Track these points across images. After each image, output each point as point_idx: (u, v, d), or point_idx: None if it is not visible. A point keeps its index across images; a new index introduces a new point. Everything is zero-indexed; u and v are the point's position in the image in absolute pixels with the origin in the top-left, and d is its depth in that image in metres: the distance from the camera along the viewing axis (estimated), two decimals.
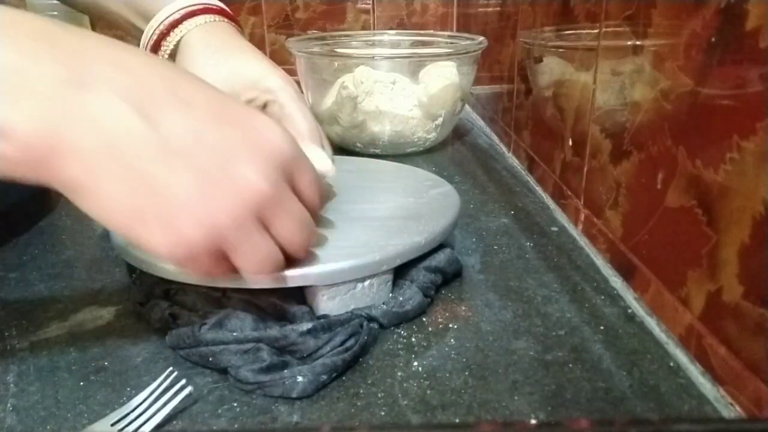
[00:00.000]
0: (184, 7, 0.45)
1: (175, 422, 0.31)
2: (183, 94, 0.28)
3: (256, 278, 0.33)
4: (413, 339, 0.37)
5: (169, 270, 0.36)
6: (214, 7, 0.47)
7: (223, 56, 0.44)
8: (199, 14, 0.45)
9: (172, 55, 0.46)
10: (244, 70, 0.44)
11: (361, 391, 0.33)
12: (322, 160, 0.38)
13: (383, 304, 0.38)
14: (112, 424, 0.30)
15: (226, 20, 0.47)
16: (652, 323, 0.38)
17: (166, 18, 0.45)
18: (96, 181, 0.27)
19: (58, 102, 0.26)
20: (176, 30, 0.45)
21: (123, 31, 0.50)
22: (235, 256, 0.30)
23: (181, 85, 0.29)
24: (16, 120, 0.25)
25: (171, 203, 0.27)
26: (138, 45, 0.47)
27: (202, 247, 0.29)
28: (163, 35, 0.45)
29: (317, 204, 0.34)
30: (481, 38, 0.75)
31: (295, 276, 0.35)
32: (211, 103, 0.29)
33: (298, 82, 0.79)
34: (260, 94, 0.43)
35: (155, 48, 0.45)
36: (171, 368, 0.33)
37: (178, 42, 0.45)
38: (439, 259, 0.41)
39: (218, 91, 0.31)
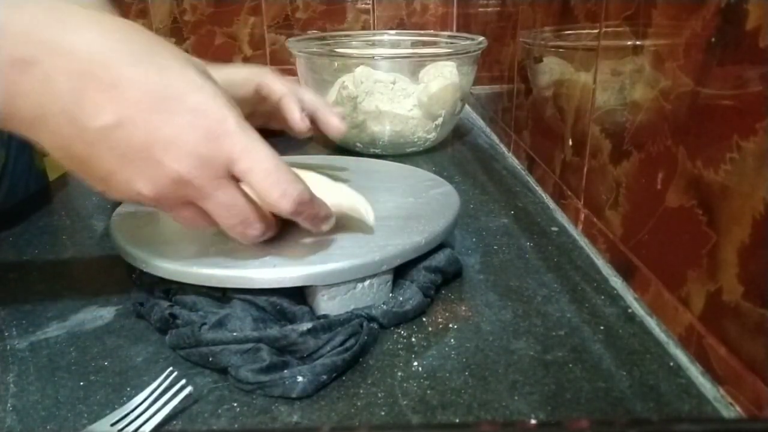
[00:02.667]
0: None
1: (175, 422, 0.31)
2: (120, 80, 0.30)
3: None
4: (413, 339, 0.37)
5: (169, 270, 0.36)
6: None
7: None
8: None
9: None
10: None
11: (361, 391, 0.33)
12: (363, 208, 0.40)
13: (383, 304, 0.38)
14: (112, 424, 0.30)
15: None
16: (652, 323, 0.38)
17: None
18: (44, 143, 0.31)
19: (6, 80, 0.29)
20: None
21: None
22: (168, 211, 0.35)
23: (122, 69, 0.30)
24: None
25: (99, 175, 0.32)
26: None
27: (136, 203, 0.34)
28: None
29: (268, 190, 0.33)
30: (481, 38, 0.75)
31: (295, 276, 0.35)
32: (148, 89, 0.31)
33: (298, 82, 0.79)
34: None
35: None
36: (171, 368, 0.33)
37: None
38: (439, 259, 0.41)
39: (161, 75, 0.31)
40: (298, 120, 0.56)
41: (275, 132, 0.56)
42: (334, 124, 0.56)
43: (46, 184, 0.64)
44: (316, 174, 0.43)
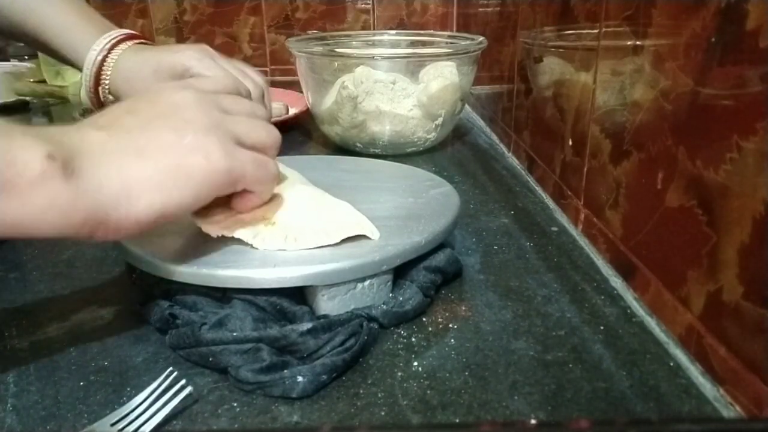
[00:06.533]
0: (114, 36, 0.59)
1: (175, 422, 0.31)
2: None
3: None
4: (413, 339, 0.37)
5: (169, 270, 0.36)
6: (133, 33, 0.61)
7: (152, 53, 0.58)
8: (127, 40, 0.59)
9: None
10: (168, 57, 0.57)
11: (361, 391, 0.33)
12: (369, 229, 0.40)
13: (383, 304, 0.38)
14: (112, 424, 0.30)
15: (143, 41, 0.61)
16: (652, 323, 0.38)
17: (105, 44, 0.58)
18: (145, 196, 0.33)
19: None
20: (114, 51, 0.58)
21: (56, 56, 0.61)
22: (241, 143, 0.36)
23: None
24: None
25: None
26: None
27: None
28: (104, 58, 0.58)
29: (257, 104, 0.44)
30: (481, 38, 0.74)
31: (295, 276, 0.35)
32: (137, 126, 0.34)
33: (297, 82, 0.79)
34: (183, 71, 0.55)
35: (99, 68, 0.58)
36: (171, 368, 0.33)
37: (116, 58, 0.58)
38: (439, 259, 0.41)
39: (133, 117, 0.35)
40: None
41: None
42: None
43: None
44: (319, 190, 0.43)
